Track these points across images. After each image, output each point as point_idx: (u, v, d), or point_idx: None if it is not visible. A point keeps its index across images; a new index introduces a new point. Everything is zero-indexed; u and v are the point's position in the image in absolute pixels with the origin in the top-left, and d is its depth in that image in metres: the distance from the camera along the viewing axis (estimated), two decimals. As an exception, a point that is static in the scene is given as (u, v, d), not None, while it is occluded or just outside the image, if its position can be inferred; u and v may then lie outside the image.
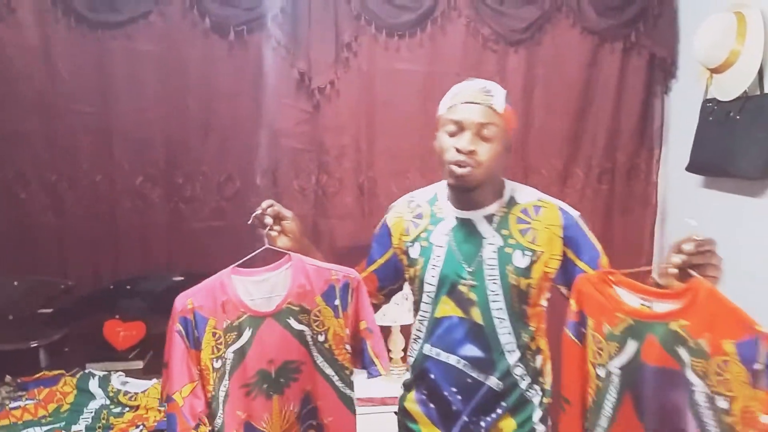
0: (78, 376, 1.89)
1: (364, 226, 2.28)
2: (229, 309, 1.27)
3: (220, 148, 2.27)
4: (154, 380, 1.91)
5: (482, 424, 1.29)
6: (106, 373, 1.93)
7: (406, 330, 2.21)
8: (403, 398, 1.44)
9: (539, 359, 1.32)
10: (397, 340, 2.27)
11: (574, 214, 1.30)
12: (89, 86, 2.15)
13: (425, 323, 1.34)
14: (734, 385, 0.89)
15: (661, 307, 1.03)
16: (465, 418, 1.29)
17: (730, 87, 1.89)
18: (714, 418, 0.93)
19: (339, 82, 2.22)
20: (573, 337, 1.16)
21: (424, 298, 1.33)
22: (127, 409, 1.80)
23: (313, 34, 2.18)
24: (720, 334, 0.91)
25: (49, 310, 2.14)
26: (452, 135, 1.25)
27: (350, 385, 1.34)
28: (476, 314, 1.27)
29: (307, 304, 1.30)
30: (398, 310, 2.19)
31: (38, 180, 2.17)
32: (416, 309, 1.39)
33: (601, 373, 1.10)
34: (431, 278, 1.31)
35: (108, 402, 1.83)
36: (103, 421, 1.72)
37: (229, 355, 1.27)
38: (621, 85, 2.34)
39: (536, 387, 1.31)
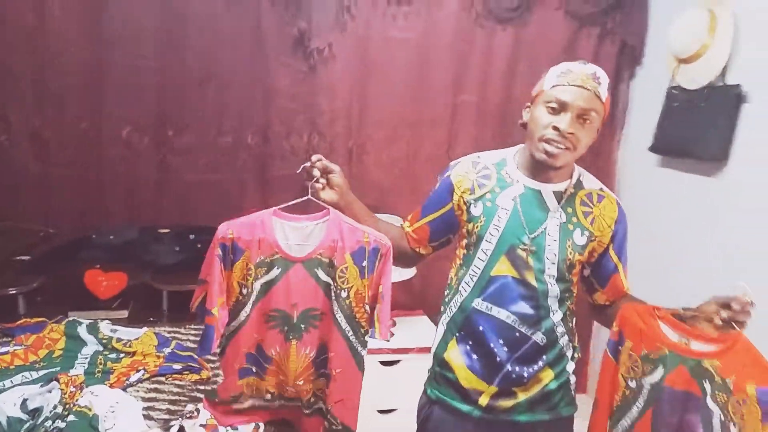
0: (64, 323, 1.86)
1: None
2: (264, 246, 1.36)
3: (215, 102, 2.24)
4: (145, 329, 1.92)
5: (525, 374, 1.38)
6: (92, 321, 1.91)
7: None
8: (441, 349, 1.48)
9: (574, 320, 1.45)
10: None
11: (624, 213, 1.42)
12: (82, 27, 2.04)
13: (476, 278, 1.40)
14: (747, 418, 1.11)
15: (697, 346, 1.23)
16: (508, 368, 1.37)
17: (696, 77, 2.10)
18: None
19: (336, 45, 2.25)
20: (610, 354, 1.36)
21: (479, 254, 1.39)
22: (123, 355, 1.80)
23: (314, -6, 2.19)
24: (745, 378, 1.13)
25: (26, 257, 2.09)
26: (552, 112, 1.28)
27: (363, 344, 1.41)
28: (531, 276, 1.36)
29: (336, 259, 1.37)
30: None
31: (22, 124, 2.08)
32: (464, 263, 1.44)
33: (632, 384, 1.30)
34: (491, 237, 1.38)
35: (101, 348, 1.82)
36: (101, 366, 1.72)
37: (257, 286, 1.37)
38: (594, 68, 2.50)
39: (570, 344, 1.44)
